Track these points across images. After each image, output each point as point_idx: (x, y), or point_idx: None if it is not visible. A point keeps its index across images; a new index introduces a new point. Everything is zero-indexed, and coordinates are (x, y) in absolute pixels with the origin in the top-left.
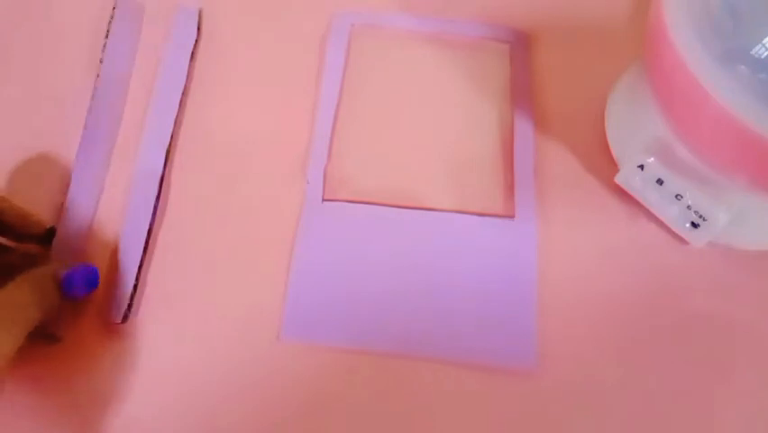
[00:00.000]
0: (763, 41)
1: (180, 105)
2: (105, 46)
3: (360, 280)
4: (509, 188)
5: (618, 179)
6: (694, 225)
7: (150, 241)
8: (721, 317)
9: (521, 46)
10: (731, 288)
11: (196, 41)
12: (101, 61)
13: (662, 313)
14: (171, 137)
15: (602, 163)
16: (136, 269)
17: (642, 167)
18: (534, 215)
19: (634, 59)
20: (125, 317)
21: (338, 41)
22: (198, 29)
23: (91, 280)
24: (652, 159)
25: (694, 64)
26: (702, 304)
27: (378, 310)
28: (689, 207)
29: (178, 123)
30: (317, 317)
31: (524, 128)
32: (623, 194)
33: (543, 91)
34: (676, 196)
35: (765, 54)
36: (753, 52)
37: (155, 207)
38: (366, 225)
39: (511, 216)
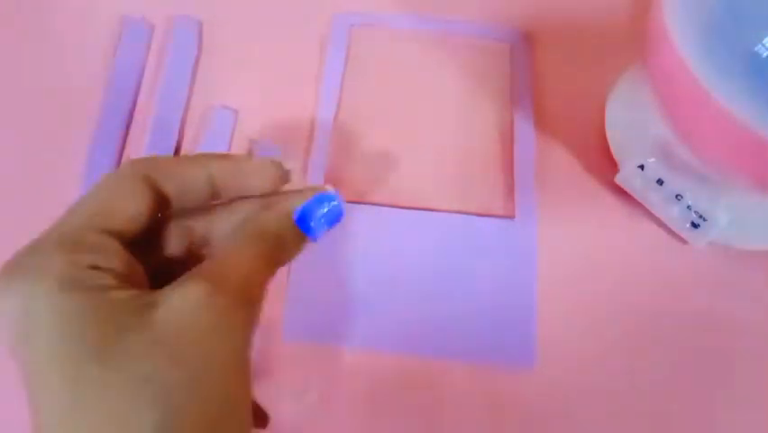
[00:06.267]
0: (764, 41)
1: (183, 113)
2: (112, 69)
3: (360, 280)
4: (509, 188)
5: (619, 180)
6: (694, 225)
7: None
8: (722, 316)
9: (521, 46)
10: (732, 287)
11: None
12: (107, 85)
13: (663, 313)
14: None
15: (602, 163)
16: None
17: (642, 167)
18: (534, 215)
19: (634, 60)
20: None
21: (338, 42)
22: (199, 41)
23: (336, 213)
24: (652, 159)
25: (694, 64)
26: (703, 303)
27: (378, 310)
28: (689, 208)
29: (180, 135)
30: (318, 318)
31: (524, 128)
32: (623, 194)
33: (543, 91)
34: (676, 196)
35: (765, 54)
36: (754, 53)
37: None
38: (366, 225)
39: (511, 217)
